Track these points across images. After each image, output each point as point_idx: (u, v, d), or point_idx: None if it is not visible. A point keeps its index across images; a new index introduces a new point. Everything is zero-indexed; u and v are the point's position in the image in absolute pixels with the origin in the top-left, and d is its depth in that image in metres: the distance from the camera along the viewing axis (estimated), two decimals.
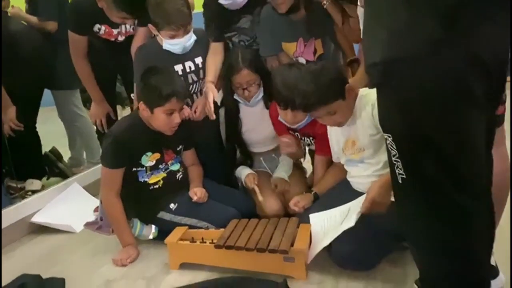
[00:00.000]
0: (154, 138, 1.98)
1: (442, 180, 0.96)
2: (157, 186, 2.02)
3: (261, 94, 2.12)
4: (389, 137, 1.01)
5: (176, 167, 2.08)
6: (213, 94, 2.06)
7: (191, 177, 2.13)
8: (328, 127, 1.91)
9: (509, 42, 0.93)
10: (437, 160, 0.96)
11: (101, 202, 2.29)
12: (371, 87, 1.05)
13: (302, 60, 2.16)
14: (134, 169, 1.97)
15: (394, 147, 1.00)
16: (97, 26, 2.30)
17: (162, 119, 1.91)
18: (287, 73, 1.91)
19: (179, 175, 2.08)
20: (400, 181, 1.01)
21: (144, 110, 1.92)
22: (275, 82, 1.92)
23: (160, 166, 2.02)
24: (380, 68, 0.97)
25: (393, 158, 1.01)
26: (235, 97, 2.14)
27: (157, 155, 2.00)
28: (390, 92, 0.99)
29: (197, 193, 2.00)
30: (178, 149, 2.09)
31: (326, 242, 1.63)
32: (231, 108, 2.19)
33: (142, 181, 1.99)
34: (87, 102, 2.91)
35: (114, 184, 1.95)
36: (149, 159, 1.98)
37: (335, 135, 1.88)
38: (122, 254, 1.93)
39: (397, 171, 1.01)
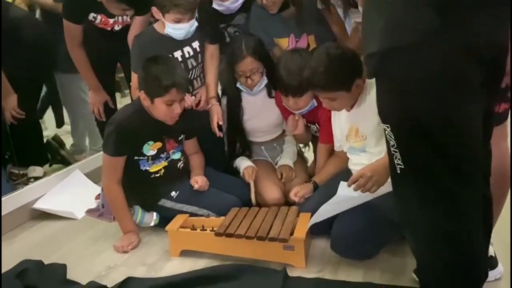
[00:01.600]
0: (156, 127, 1.97)
1: (439, 169, 0.96)
2: (158, 175, 2.02)
3: (264, 83, 2.11)
4: (388, 127, 1.00)
5: (177, 156, 2.08)
6: (218, 116, 2.10)
7: (193, 166, 2.13)
8: (332, 114, 1.91)
9: (508, 32, 0.92)
10: (434, 149, 0.96)
11: (102, 189, 2.31)
12: (369, 77, 1.05)
13: None
14: (135, 157, 1.97)
15: (392, 137, 1.00)
16: (92, 15, 2.27)
17: (162, 110, 1.90)
18: (289, 60, 1.90)
19: (180, 164, 2.09)
20: (399, 171, 1.01)
21: (144, 99, 1.92)
22: (277, 69, 1.92)
23: (162, 155, 2.02)
24: (377, 58, 0.97)
25: (392, 149, 1.01)
26: (238, 85, 2.13)
27: (159, 144, 1.99)
28: (387, 82, 0.99)
29: (198, 181, 2.00)
30: (179, 138, 2.09)
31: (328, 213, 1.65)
32: (233, 97, 2.18)
33: (144, 169, 1.99)
34: None
35: (115, 172, 1.95)
36: (150, 148, 1.97)
37: (339, 122, 1.87)
38: (123, 240, 1.94)
39: (395, 161, 1.01)
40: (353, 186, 1.56)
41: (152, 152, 1.98)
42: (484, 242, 1.14)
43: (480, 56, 0.91)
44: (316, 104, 1.95)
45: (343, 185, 1.60)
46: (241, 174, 2.16)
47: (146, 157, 1.98)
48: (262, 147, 2.29)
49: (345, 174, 1.87)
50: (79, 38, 2.34)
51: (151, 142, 1.97)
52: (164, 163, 2.03)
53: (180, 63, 2.11)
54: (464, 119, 0.94)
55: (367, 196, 1.57)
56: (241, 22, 2.23)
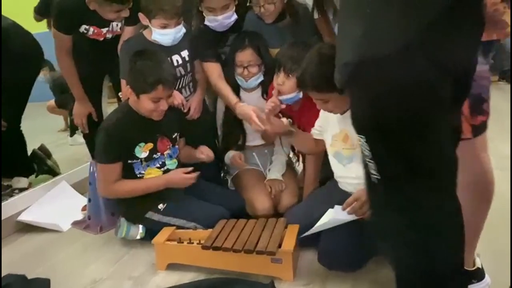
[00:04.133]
0: (146, 126, 1.94)
1: (409, 179, 0.97)
2: None
3: (261, 79, 2.12)
4: (362, 138, 1.00)
5: (173, 165, 2.05)
6: (254, 110, 1.97)
7: (187, 149, 2.16)
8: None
9: (476, 55, 0.96)
10: (407, 162, 0.96)
11: (89, 201, 2.28)
12: (341, 86, 1.05)
13: None
14: (129, 161, 1.94)
15: (368, 148, 1.00)
16: (84, 27, 2.27)
17: (148, 106, 1.88)
18: (291, 47, 1.92)
19: None
20: (375, 182, 1.01)
21: (130, 94, 1.89)
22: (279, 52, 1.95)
23: (155, 156, 1.98)
24: (352, 67, 0.97)
25: (366, 159, 1.01)
26: (236, 76, 2.14)
27: (150, 145, 1.96)
28: (361, 92, 0.98)
29: (203, 152, 2.06)
30: (173, 136, 2.06)
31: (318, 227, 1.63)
32: (233, 86, 2.16)
33: (138, 173, 1.97)
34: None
35: (112, 176, 1.91)
36: (142, 150, 1.95)
37: (332, 119, 1.80)
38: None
39: (370, 171, 1.01)
40: (347, 209, 1.55)
41: (145, 154, 1.96)
42: (456, 251, 1.13)
43: (452, 75, 0.93)
44: (301, 96, 1.93)
45: (337, 208, 1.58)
46: (230, 162, 2.21)
47: (139, 160, 1.96)
48: (254, 153, 2.28)
49: (332, 184, 1.86)
50: (68, 47, 2.34)
51: (142, 144, 1.95)
52: (159, 171, 2.00)
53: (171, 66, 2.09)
54: (436, 132, 0.96)
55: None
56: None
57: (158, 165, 2.01)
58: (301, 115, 2.01)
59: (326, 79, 1.56)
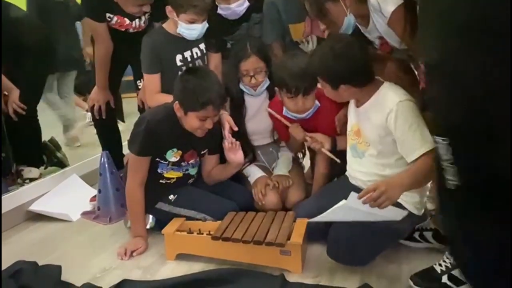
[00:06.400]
0: (184, 137, 1.94)
1: (493, 189, 0.92)
2: (169, 181, 2.00)
3: (267, 84, 2.12)
4: (445, 140, 0.94)
5: (193, 171, 2.07)
6: (231, 124, 2.01)
7: (220, 166, 2.11)
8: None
9: None
10: (492, 168, 0.90)
11: (99, 192, 2.30)
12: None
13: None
14: (157, 159, 1.95)
15: (450, 152, 0.93)
16: (108, 15, 2.29)
17: (194, 123, 1.87)
18: (290, 63, 1.89)
19: (191, 180, 2.08)
20: (451, 188, 0.95)
21: (178, 110, 1.88)
22: (280, 75, 1.90)
23: (182, 164, 2.00)
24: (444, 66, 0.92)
25: (445, 164, 0.95)
26: (241, 86, 2.13)
27: (180, 153, 1.98)
28: (455, 87, 0.92)
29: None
30: (202, 152, 2.07)
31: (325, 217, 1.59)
32: (237, 98, 2.16)
33: (160, 171, 1.97)
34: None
35: (139, 172, 1.92)
36: (173, 155, 1.96)
37: (351, 111, 1.82)
38: (129, 245, 1.91)
39: (447, 177, 0.95)
40: (363, 198, 1.47)
41: (175, 159, 1.97)
42: None
43: None
44: (319, 104, 1.94)
45: (353, 196, 1.50)
46: (252, 184, 2.14)
47: (167, 162, 1.97)
48: (259, 152, 2.29)
49: (342, 180, 1.88)
50: (103, 35, 2.36)
51: (175, 149, 1.95)
52: (179, 174, 2.02)
53: (189, 63, 2.12)
54: None
55: (369, 216, 1.52)
56: (243, 32, 2.26)
57: (182, 171, 2.02)
58: (310, 120, 2.00)
59: (334, 74, 1.61)
